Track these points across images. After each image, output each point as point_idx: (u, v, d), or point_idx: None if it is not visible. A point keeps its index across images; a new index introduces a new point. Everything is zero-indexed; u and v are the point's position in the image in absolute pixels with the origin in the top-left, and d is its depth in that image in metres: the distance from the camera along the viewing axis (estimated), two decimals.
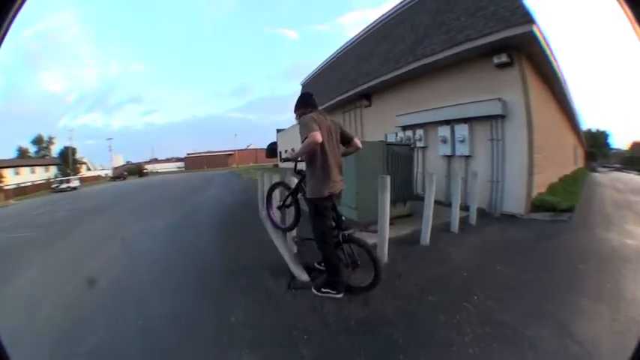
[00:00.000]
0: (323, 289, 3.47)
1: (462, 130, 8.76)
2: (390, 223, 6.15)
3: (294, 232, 4.73)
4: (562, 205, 7.63)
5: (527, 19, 6.84)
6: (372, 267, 3.50)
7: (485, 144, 8.39)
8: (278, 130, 40.07)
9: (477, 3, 8.16)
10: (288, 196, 4.21)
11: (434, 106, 9.46)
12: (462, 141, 8.76)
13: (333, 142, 3.45)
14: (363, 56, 13.62)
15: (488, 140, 8.29)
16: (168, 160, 72.70)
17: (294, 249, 4.74)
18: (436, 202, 8.38)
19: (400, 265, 4.45)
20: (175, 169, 65.41)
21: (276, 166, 38.66)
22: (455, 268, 4.40)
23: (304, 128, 3.19)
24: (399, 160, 6.87)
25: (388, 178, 4.55)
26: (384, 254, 4.51)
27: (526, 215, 7.64)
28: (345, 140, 3.70)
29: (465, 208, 7.14)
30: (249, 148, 69.32)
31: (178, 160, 72.05)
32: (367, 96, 12.73)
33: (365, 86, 12.15)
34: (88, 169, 55.78)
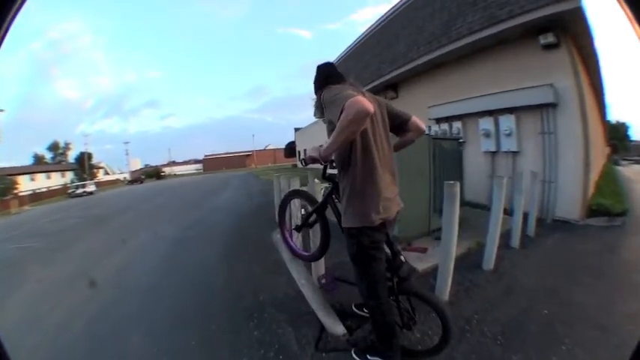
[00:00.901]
0: (370, 357, 2.29)
1: (508, 122, 7.50)
2: (437, 237, 5.08)
3: (321, 267, 3.55)
4: (617, 209, 6.67)
5: None
6: (430, 319, 2.47)
7: (534, 138, 7.21)
8: (296, 129, 39.65)
9: None
10: (311, 214, 2.85)
11: (473, 94, 8.21)
12: (509, 134, 7.50)
13: (379, 130, 2.12)
14: (388, 42, 12.25)
15: (538, 134, 7.09)
16: (186, 163, 75.28)
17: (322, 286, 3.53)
18: (478, 206, 7.49)
19: (466, 304, 3.31)
20: (194, 171, 66.76)
21: (295, 166, 38.23)
22: (532, 303, 3.34)
23: (333, 102, 1.89)
24: (447, 157, 5.72)
25: (458, 186, 3.31)
26: (446, 288, 3.38)
27: (581, 221, 6.51)
28: (397, 124, 2.32)
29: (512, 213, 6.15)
30: (268, 148, 70.30)
31: (196, 162, 74.07)
32: (393, 86, 11.27)
33: (390, 75, 10.74)
34: (106, 174, 56.88)
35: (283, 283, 4.01)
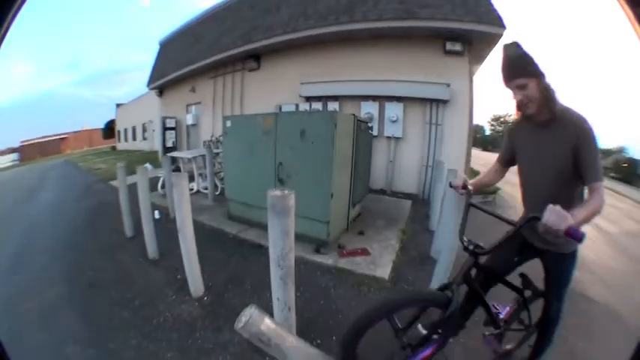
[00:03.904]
0: None
1: (395, 110, 7.66)
2: (360, 232, 4.57)
3: None
4: (491, 189, 7.74)
5: (500, 22, 6.63)
6: None
7: (418, 126, 7.65)
8: (118, 105, 33.90)
9: None
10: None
11: (356, 77, 8.02)
12: (395, 121, 7.66)
13: None
14: (265, 8, 10.26)
15: (425, 123, 7.51)
16: (2, 153, 59.31)
17: None
18: (376, 191, 7.72)
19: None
20: (10, 164, 52.60)
21: (114, 148, 32.86)
22: None
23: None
24: (364, 142, 5.14)
25: None
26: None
27: None
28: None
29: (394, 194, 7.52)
30: (84, 129, 61.85)
31: (13, 150, 58.58)
32: (256, 57, 10.19)
33: (263, 43, 9.41)
34: None
35: None
